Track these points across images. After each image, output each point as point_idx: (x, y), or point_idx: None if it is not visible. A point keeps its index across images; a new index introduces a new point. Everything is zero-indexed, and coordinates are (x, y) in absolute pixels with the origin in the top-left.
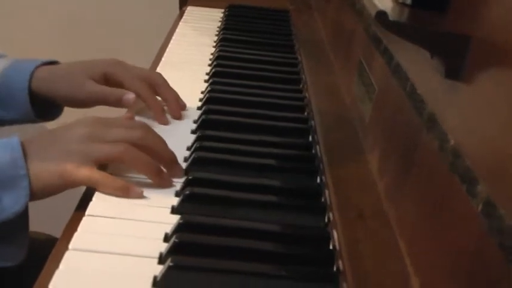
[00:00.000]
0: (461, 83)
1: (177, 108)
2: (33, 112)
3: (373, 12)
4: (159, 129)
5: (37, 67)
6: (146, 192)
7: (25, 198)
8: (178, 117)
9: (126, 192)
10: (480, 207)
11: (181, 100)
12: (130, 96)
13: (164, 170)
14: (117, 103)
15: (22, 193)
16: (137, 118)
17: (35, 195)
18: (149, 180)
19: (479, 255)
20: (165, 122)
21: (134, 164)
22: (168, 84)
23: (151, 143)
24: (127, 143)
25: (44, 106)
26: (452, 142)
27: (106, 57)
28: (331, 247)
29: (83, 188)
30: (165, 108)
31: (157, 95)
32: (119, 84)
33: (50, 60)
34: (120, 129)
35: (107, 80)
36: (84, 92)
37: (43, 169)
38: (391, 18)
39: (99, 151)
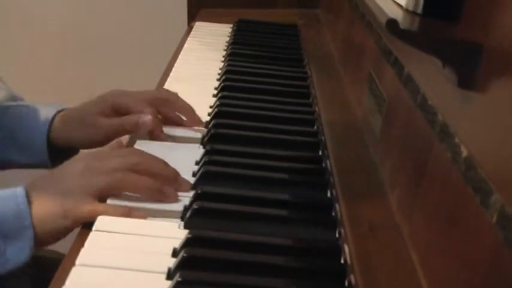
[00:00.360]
0: (474, 92)
1: (195, 116)
2: (49, 159)
3: (383, 21)
4: (170, 144)
5: (56, 113)
6: (154, 206)
7: (29, 249)
8: (199, 122)
9: (128, 217)
10: (495, 218)
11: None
12: (145, 118)
13: (168, 188)
14: (135, 128)
15: (26, 244)
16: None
17: (43, 242)
18: None
19: (495, 267)
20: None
21: (134, 188)
22: (179, 97)
23: (149, 166)
24: (124, 170)
25: (58, 153)
26: (465, 153)
27: (111, 90)
28: (342, 261)
29: None
30: (184, 119)
31: (170, 110)
32: (126, 113)
33: (64, 107)
34: (116, 158)
35: (116, 111)
36: (100, 130)
37: (47, 214)
38: (401, 26)
39: (98, 183)
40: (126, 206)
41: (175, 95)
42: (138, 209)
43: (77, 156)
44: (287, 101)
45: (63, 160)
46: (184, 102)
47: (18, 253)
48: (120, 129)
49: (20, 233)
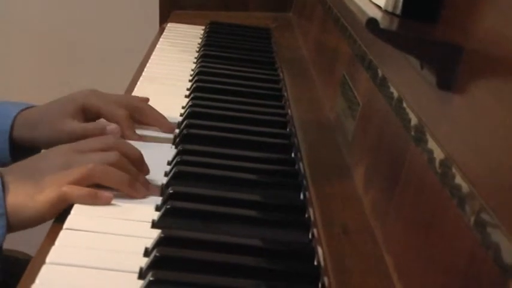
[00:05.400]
0: (453, 93)
1: (168, 123)
2: (11, 157)
3: (363, 20)
4: (141, 143)
5: (19, 112)
6: (126, 205)
7: (1, 238)
8: (173, 130)
9: (94, 197)
10: (472, 221)
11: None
12: (113, 126)
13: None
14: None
15: None
16: None
17: (13, 229)
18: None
19: (472, 270)
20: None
21: (105, 179)
22: (151, 108)
23: (125, 164)
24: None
25: (21, 150)
26: (443, 155)
27: (82, 90)
28: (315, 263)
29: None
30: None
31: (143, 119)
32: (96, 114)
33: (30, 105)
34: (94, 153)
35: (85, 112)
36: (65, 133)
37: (20, 204)
38: (381, 26)
39: (70, 175)
40: (92, 188)
41: (148, 104)
42: (102, 192)
43: (55, 149)
44: (259, 103)
45: (25, 157)
46: (157, 112)
47: None
48: (85, 136)
49: None
